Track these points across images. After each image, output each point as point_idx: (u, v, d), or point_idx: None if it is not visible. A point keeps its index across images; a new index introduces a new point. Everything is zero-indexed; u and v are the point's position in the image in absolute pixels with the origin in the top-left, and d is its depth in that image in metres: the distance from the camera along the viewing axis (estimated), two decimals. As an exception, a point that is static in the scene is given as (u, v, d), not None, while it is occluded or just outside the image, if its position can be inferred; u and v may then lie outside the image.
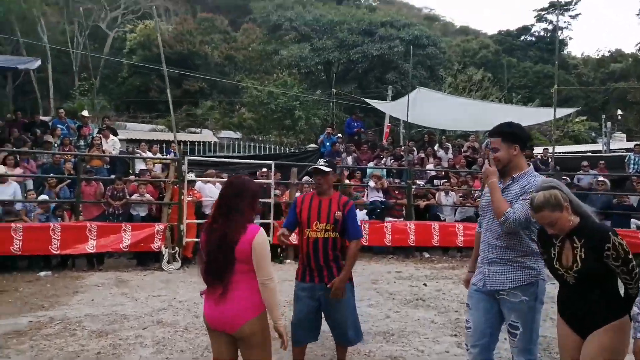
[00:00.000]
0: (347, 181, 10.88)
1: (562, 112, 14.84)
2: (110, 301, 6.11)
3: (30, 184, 8.91)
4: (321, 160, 3.74)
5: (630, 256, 2.39)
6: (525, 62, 38.09)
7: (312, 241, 3.59)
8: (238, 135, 21.85)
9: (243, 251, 2.56)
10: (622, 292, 2.53)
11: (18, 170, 8.81)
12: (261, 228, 2.70)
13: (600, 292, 2.47)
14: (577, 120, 27.40)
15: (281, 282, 6.62)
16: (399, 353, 4.54)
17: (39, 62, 11.00)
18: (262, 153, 18.70)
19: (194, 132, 21.67)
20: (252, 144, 20.46)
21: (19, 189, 8.28)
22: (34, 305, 5.90)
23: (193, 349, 4.58)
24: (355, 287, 6.95)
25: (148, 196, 8.63)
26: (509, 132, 3.01)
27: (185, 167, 8.45)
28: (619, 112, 26.26)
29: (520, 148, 3.00)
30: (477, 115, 13.34)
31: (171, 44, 27.63)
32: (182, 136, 19.56)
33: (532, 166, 3.10)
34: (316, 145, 13.76)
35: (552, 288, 2.89)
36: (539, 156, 13.55)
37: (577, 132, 27.48)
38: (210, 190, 8.95)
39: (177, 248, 8.21)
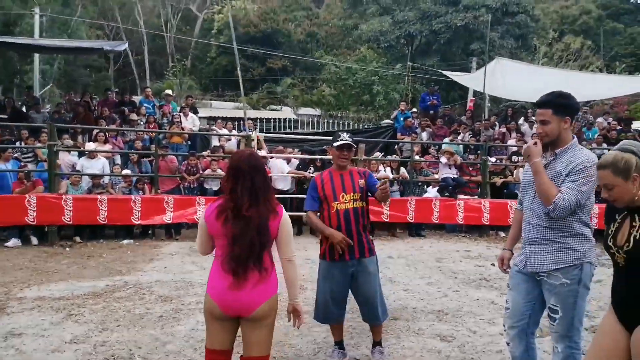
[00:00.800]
0: (417, 157, 10.64)
1: None
2: (180, 269, 6.52)
3: (117, 158, 9.64)
4: (345, 135, 3.62)
5: None
6: (633, 27, 34.43)
7: (343, 212, 3.52)
8: (317, 112, 21.99)
9: (273, 232, 2.53)
10: None
11: (107, 147, 9.57)
12: (283, 209, 2.64)
13: None
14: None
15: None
16: (449, 332, 4.43)
17: (125, 46, 11.79)
18: (340, 128, 18.73)
19: (274, 110, 22.15)
20: (330, 120, 20.53)
21: (107, 164, 9.01)
22: (113, 270, 6.46)
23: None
24: (418, 265, 7.03)
25: (220, 171, 9.02)
26: (562, 104, 2.76)
27: (254, 144, 8.69)
28: None
29: (571, 121, 2.77)
30: (561, 85, 12.33)
31: (256, 23, 28.28)
32: (262, 113, 20.10)
33: (575, 138, 2.84)
34: (390, 121, 13.51)
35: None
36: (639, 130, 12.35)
37: None
38: (278, 167, 9.16)
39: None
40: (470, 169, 10.40)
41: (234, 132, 11.52)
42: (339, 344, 3.83)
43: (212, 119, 14.10)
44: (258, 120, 17.92)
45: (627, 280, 2.28)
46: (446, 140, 11.79)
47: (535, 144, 2.81)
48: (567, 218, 2.73)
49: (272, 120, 19.35)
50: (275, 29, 28.23)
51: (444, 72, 16.32)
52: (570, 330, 2.74)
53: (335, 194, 3.56)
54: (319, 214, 3.64)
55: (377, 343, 3.80)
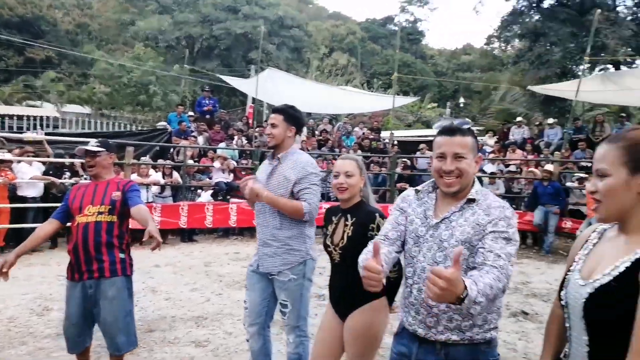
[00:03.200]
0: (190, 161, 10.55)
1: (401, 101, 15.88)
2: None
3: None
4: (93, 140, 3.30)
5: None
6: (388, 50, 40.18)
7: (82, 227, 3.09)
8: (87, 110, 20.02)
9: None
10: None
11: None
12: None
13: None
14: (429, 106, 29.59)
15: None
16: (205, 337, 4.47)
17: None
18: (113, 130, 17.40)
19: (33, 106, 19.41)
20: (102, 120, 18.90)
21: None
22: None
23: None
24: (185, 271, 6.94)
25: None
26: (291, 114, 3.10)
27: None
28: (462, 100, 28.84)
29: (295, 132, 3.11)
30: (323, 98, 13.76)
31: (12, 5, 24.45)
32: (16, 109, 17.42)
33: (295, 145, 3.18)
34: (165, 124, 13.10)
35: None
36: (386, 139, 14.36)
37: (429, 118, 29.79)
38: (24, 171, 8.04)
39: (-16, 236, 7.28)
40: (243, 173, 10.72)
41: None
42: None
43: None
44: (7, 118, 15.47)
45: (342, 275, 2.56)
46: (222, 145, 11.95)
47: (250, 186, 2.96)
48: (293, 223, 3.01)
49: (29, 117, 16.91)
50: (38, 15, 24.88)
51: (222, 77, 16.53)
52: (298, 320, 3.03)
53: (82, 206, 3.15)
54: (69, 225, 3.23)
55: None
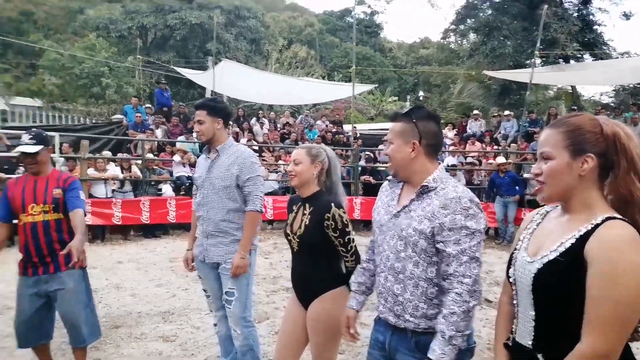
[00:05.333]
0: (150, 155, 10.32)
1: (360, 88, 15.99)
2: None
3: None
4: (26, 138, 3.06)
5: (349, 230, 2.46)
6: (347, 43, 40.23)
7: (30, 227, 3.04)
8: (38, 102, 19.17)
9: None
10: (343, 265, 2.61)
11: None
12: None
13: (320, 261, 2.51)
14: (390, 100, 29.96)
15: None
16: (173, 332, 4.44)
17: None
18: (66, 123, 16.76)
19: (-24, 99, 18.44)
20: (55, 113, 18.16)
21: None
22: None
23: None
24: (149, 267, 6.82)
25: None
26: (214, 106, 3.13)
27: None
28: (421, 93, 29.40)
29: (223, 123, 3.13)
30: (281, 89, 13.72)
31: (-54, -11, 23.07)
32: (-41, 103, 16.53)
33: (231, 137, 3.25)
34: (121, 117, 12.73)
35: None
36: (349, 133, 14.47)
37: (391, 111, 30.11)
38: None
39: None
40: (204, 166, 10.58)
41: None
42: None
43: None
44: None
45: (300, 263, 2.59)
46: (181, 138, 11.73)
47: (240, 261, 3.03)
48: (237, 214, 3.08)
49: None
50: (-23, 1, 23.59)
51: (177, 69, 16.20)
52: (244, 311, 3.09)
53: (25, 205, 3.06)
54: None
55: None
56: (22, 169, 8.27)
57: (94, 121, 16.15)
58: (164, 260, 7.41)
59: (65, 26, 25.99)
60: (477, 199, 1.84)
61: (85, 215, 3.13)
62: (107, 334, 4.20)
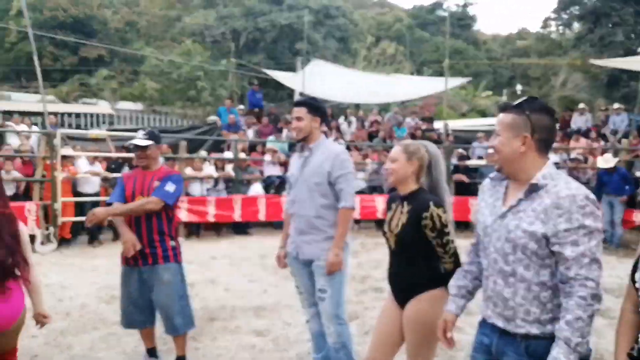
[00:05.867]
0: (242, 155, 10.63)
1: (453, 82, 15.35)
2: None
3: None
4: (141, 134, 3.40)
5: (447, 230, 2.38)
6: (437, 37, 39.14)
7: (135, 216, 3.31)
8: (139, 106, 20.63)
9: None
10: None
11: None
12: None
13: (417, 261, 2.46)
14: (483, 95, 28.68)
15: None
16: (265, 327, 4.50)
17: None
18: (166, 125, 17.88)
19: (89, 104, 20.17)
20: (154, 116, 19.45)
21: None
22: None
23: (47, 333, 4.22)
24: (241, 263, 7.01)
25: (16, 173, 7.87)
26: (313, 105, 3.15)
27: (58, 141, 7.76)
28: (519, 86, 27.79)
29: (321, 121, 3.16)
30: (370, 87, 13.52)
31: (65, 6, 25.41)
32: (74, 107, 18.14)
33: (323, 135, 3.24)
34: (215, 118, 13.29)
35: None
36: (440, 129, 14.01)
37: (484, 107, 28.83)
38: (82, 167, 8.30)
39: (51, 228, 7.62)
40: (294, 165, 10.72)
41: (35, 128, 10.17)
42: (150, 351, 3.63)
43: (8, 113, 12.25)
44: (67, 115, 16.13)
45: (398, 262, 2.54)
46: (271, 138, 12.00)
47: (335, 258, 2.97)
48: (330, 211, 3.04)
49: (85, 115, 17.58)
50: (89, 14, 25.76)
51: (267, 71, 16.60)
52: (337, 307, 3.04)
53: (134, 195, 3.36)
54: None
55: (179, 358, 3.52)
56: (127, 168, 8.89)
57: (190, 123, 17.05)
58: (254, 256, 7.58)
59: (164, 33, 27.71)
60: (592, 195, 1.69)
61: (161, 204, 3.27)
62: (203, 326, 4.35)
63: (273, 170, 10.41)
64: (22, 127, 9.89)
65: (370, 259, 7.52)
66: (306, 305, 3.27)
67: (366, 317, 4.78)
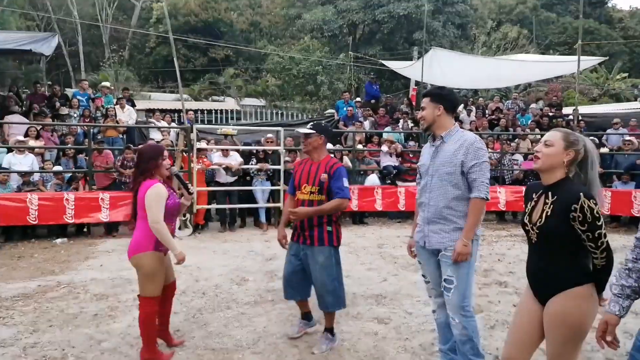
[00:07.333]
0: (359, 146, 10.77)
1: (587, 63, 13.89)
2: (118, 266, 6.31)
3: (47, 154, 9.19)
4: (308, 125, 3.80)
5: (600, 223, 2.19)
6: (565, 17, 35.98)
7: (300, 203, 3.70)
8: (262, 102, 21.80)
9: (140, 199, 3.38)
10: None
11: (39, 142, 9.10)
12: (156, 184, 3.35)
13: (560, 255, 2.30)
14: (618, 77, 25.76)
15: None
16: (386, 315, 4.56)
17: (55, 42, 10.93)
18: (286, 119, 18.67)
19: (217, 101, 21.77)
20: (275, 110, 20.41)
21: (36, 160, 8.57)
22: (45, 270, 6.19)
23: (187, 310, 4.72)
24: (360, 251, 7.15)
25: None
26: (436, 93, 3.15)
27: (194, 136, 8.53)
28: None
29: (444, 109, 3.08)
30: (494, 72, 12.82)
31: (196, 12, 27.56)
32: (204, 105, 19.70)
33: (457, 124, 3.16)
34: (333, 111, 13.59)
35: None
36: (569, 116, 12.96)
37: (619, 90, 25.90)
38: (218, 158, 9.02)
39: (188, 215, 8.39)
40: (411, 156, 10.64)
41: (174, 124, 11.22)
42: (304, 315, 4.05)
43: (150, 111, 13.69)
44: (199, 112, 17.55)
45: (539, 256, 2.39)
46: (387, 129, 12.00)
47: (463, 248, 2.94)
48: (460, 201, 2.98)
49: (215, 111, 19.01)
50: (217, 18, 27.65)
51: (384, 62, 16.54)
52: (463, 299, 2.99)
53: (300, 183, 3.73)
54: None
55: (327, 329, 3.89)
56: (254, 159, 9.46)
57: (309, 117, 17.63)
58: (372, 245, 7.69)
59: (284, 31, 28.84)
60: None
61: (348, 202, 3.69)
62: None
63: (389, 161, 10.41)
64: (163, 124, 10.98)
65: (492, 252, 7.27)
66: (433, 295, 3.25)
67: (491, 312, 4.65)
